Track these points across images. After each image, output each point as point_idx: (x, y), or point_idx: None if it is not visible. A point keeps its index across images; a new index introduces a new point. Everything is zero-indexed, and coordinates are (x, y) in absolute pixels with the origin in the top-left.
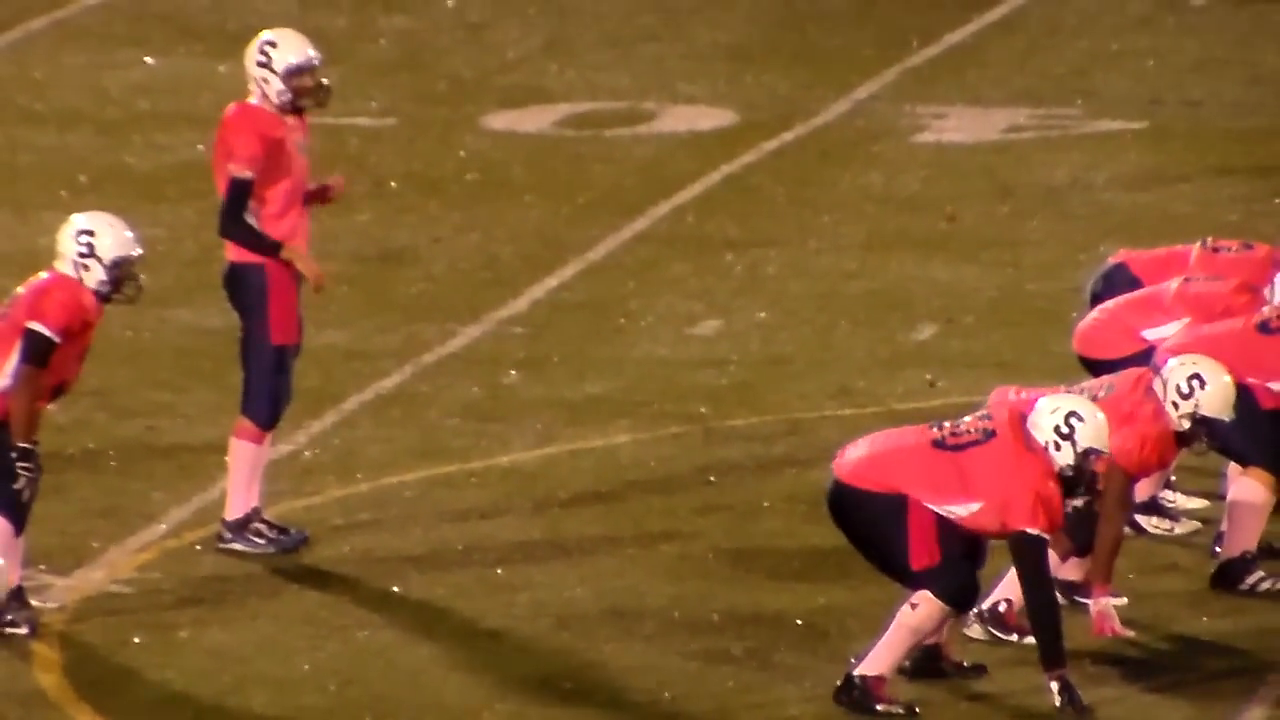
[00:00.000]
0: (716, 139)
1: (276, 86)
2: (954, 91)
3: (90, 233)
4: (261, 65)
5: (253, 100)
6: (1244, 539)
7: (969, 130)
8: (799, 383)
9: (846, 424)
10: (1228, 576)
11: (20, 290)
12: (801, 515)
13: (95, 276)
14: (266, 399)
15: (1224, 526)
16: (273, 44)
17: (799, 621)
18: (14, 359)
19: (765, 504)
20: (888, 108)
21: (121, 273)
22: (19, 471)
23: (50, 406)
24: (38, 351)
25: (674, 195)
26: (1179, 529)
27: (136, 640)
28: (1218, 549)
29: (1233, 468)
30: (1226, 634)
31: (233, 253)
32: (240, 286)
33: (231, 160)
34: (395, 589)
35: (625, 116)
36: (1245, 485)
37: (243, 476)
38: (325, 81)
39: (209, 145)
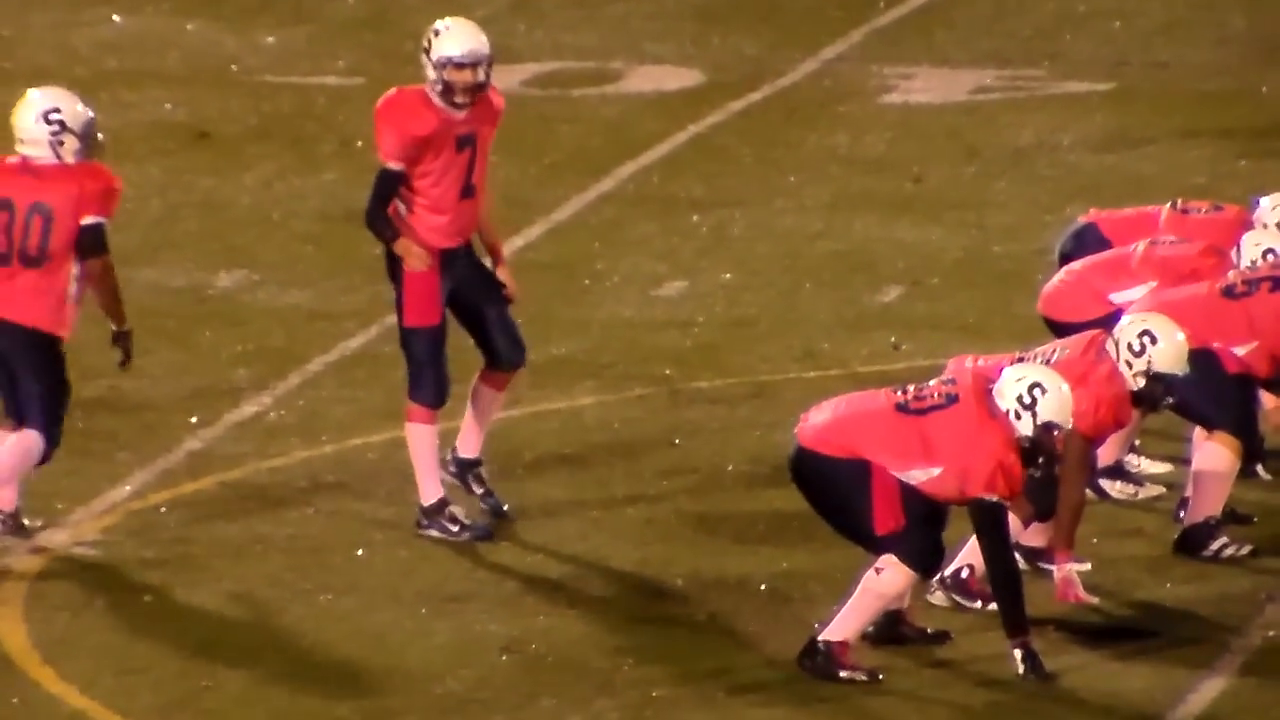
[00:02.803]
0: (683, 99)
1: (431, 75)
2: (921, 52)
3: (56, 109)
4: (424, 51)
5: (425, 86)
6: (1208, 505)
7: (935, 91)
8: (764, 344)
9: (811, 386)
10: (1191, 542)
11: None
12: (766, 479)
13: (72, 149)
14: (429, 379)
15: (1188, 492)
16: (437, 32)
17: (763, 586)
18: (70, 267)
19: (730, 467)
20: (854, 68)
21: (90, 136)
22: (118, 344)
23: None
24: (102, 240)
25: (640, 156)
26: (1143, 494)
27: (100, 603)
28: (1181, 514)
29: (1198, 433)
30: (1190, 600)
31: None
32: (392, 270)
33: (379, 151)
34: (360, 552)
35: (592, 76)
36: (1210, 450)
37: (425, 461)
38: (482, 80)
39: (176, 104)
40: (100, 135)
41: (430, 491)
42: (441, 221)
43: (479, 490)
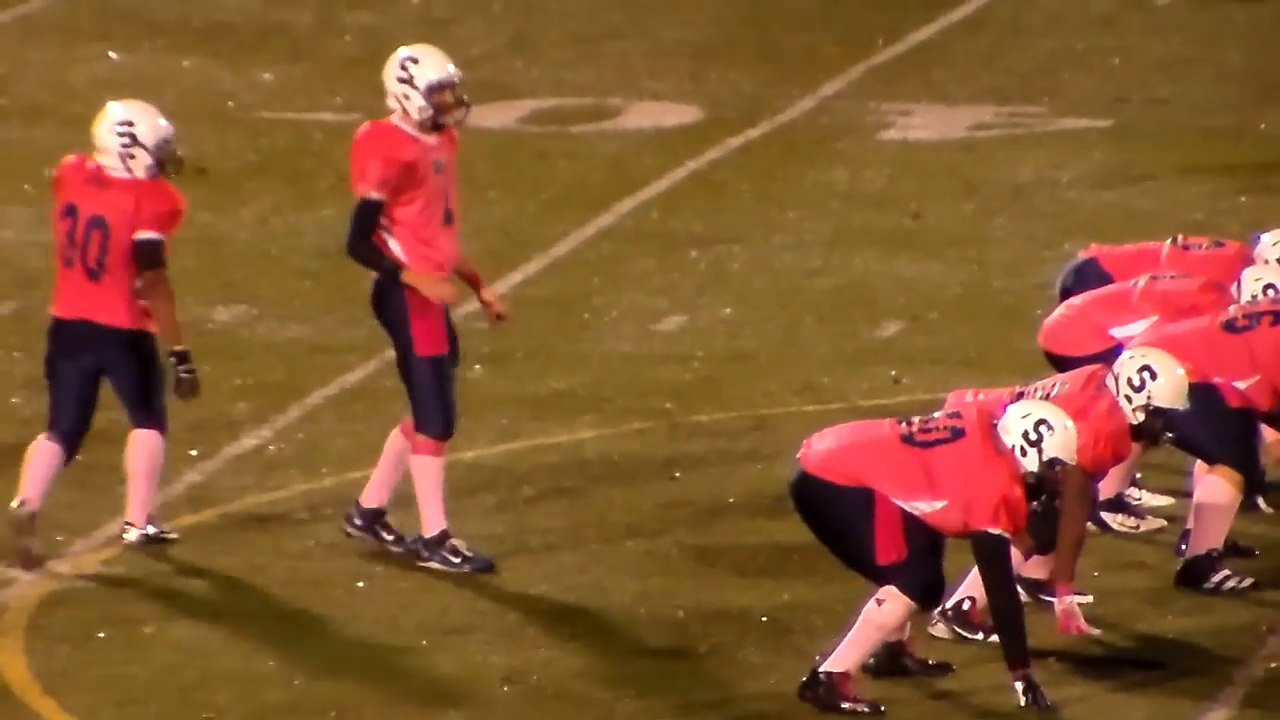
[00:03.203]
0: (681, 136)
1: (419, 103)
2: (919, 89)
3: (129, 123)
4: (402, 81)
5: (392, 119)
6: (1210, 537)
7: (934, 128)
8: (764, 379)
9: (811, 420)
10: (1193, 575)
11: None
12: (766, 511)
13: (143, 164)
14: (438, 411)
15: (1190, 524)
16: (414, 60)
17: (764, 618)
18: (134, 278)
19: (730, 500)
20: (853, 105)
21: (164, 154)
22: (181, 375)
23: (15, 400)
24: (157, 255)
25: (639, 191)
26: (1144, 526)
27: (101, 634)
28: (1183, 547)
29: (1199, 466)
30: (1191, 632)
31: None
32: (384, 304)
33: (359, 181)
34: (360, 584)
35: (590, 113)
36: (1211, 483)
37: (430, 493)
38: (466, 98)
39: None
40: (179, 153)
41: (433, 523)
42: (430, 250)
43: (389, 538)
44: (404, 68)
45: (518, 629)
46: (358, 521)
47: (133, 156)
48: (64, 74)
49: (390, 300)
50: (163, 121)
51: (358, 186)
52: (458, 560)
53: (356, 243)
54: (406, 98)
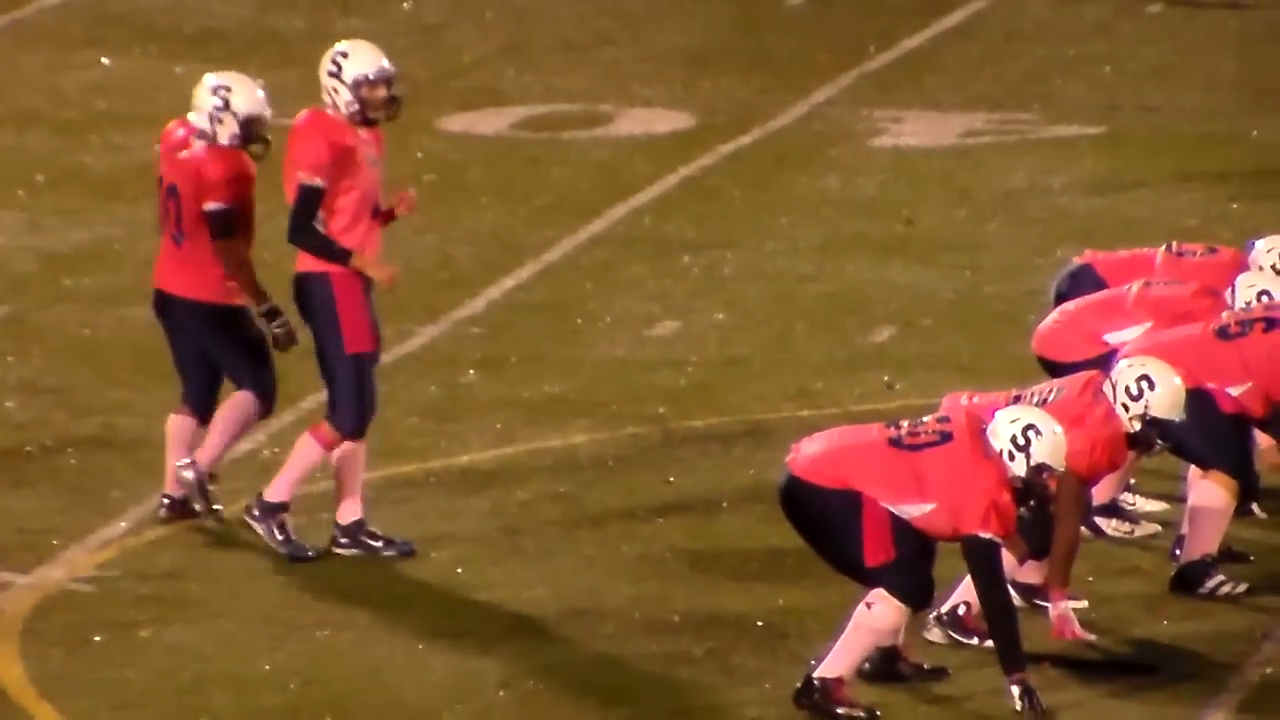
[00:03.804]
0: (673, 142)
1: (345, 97)
2: (911, 96)
3: (226, 88)
4: (332, 75)
5: (326, 109)
6: (1204, 542)
7: (926, 134)
8: (757, 384)
9: (805, 425)
10: (1187, 580)
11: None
12: (760, 516)
13: (229, 131)
14: (355, 410)
15: (1184, 530)
16: (344, 54)
17: (759, 623)
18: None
19: (724, 505)
20: (845, 112)
21: (252, 130)
22: (275, 331)
23: (9, 404)
24: (224, 225)
25: (631, 198)
26: (1139, 532)
27: (97, 639)
28: (1178, 552)
29: (1193, 471)
30: (1186, 637)
31: (300, 262)
32: (308, 298)
33: (300, 167)
34: (355, 588)
35: (582, 119)
36: (1206, 489)
37: (297, 471)
38: (397, 94)
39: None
40: (267, 136)
41: (279, 491)
42: (359, 240)
43: (377, 545)
44: (334, 62)
45: (513, 633)
46: (343, 540)
47: (221, 121)
48: (57, 80)
49: (316, 295)
50: (260, 95)
51: (299, 174)
52: (280, 538)
53: (300, 231)
54: (335, 91)
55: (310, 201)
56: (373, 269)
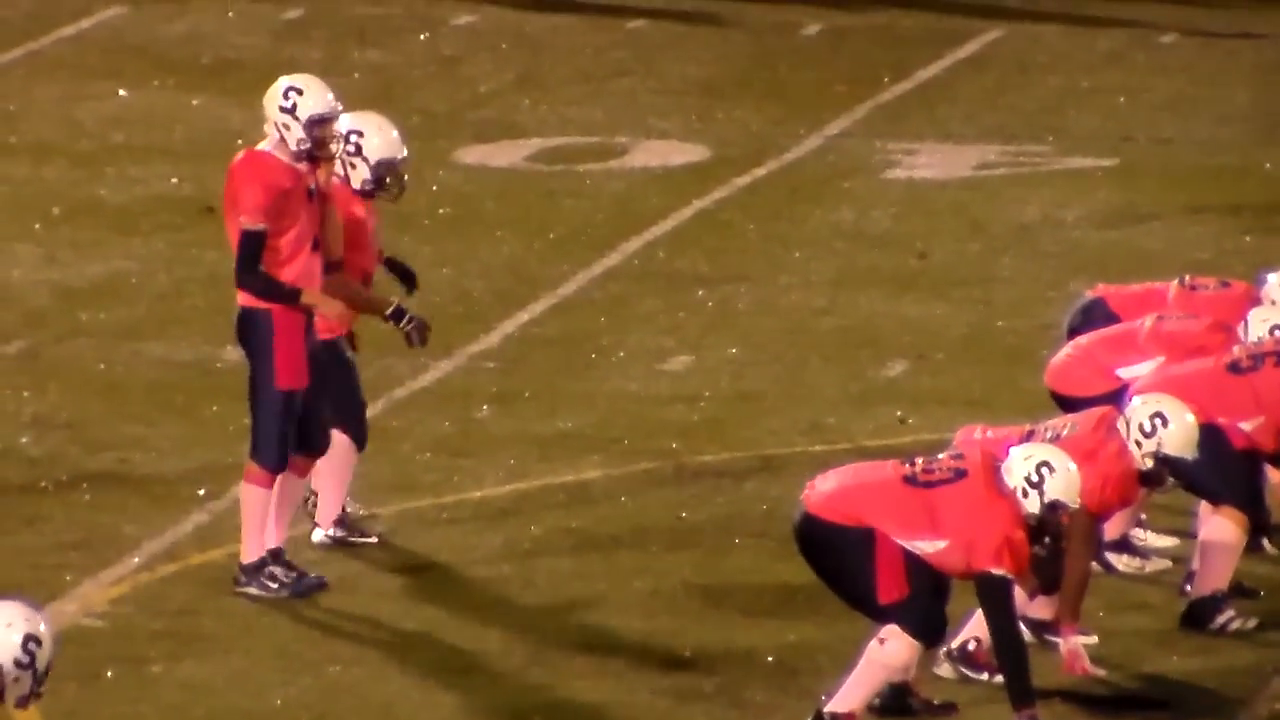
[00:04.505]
0: (688, 174)
1: (298, 134)
2: (925, 128)
3: (359, 133)
4: (285, 111)
5: (264, 145)
6: (1215, 578)
7: (940, 167)
8: (770, 419)
9: (817, 460)
10: (1198, 615)
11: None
12: (772, 551)
13: (360, 176)
14: (275, 443)
15: (1195, 565)
16: (299, 90)
17: (770, 658)
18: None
19: (736, 540)
20: (859, 144)
21: (384, 172)
22: (407, 331)
23: (24, 439)
24: (247, 247)
25: (645, 231)
26: (1149, 567)
27: (109, 674)
28: (1188, 588)
29: (1204, 506)
30: (1196, 673)
31: (242, 298)
32: (248, 331)
33: (241, 213)
34: (367, 624)
35: (597, 151)
36: (1217, 524)
37: (255, 522)
38: (343, 132)
39: (182, 178)
40: (404, 178)
41: (252, 551)
42: (299, 273)
43: (288, 577)
44: (287, 96)
45: (524, 669)
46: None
47: (288, 127)
48: (73, 112)
49: (256, 329)
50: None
51: (241, 219)
52: (275, 586)
53: (246, 274)
54: (287, 127)
55: (253, 246)
56: (325, 307)
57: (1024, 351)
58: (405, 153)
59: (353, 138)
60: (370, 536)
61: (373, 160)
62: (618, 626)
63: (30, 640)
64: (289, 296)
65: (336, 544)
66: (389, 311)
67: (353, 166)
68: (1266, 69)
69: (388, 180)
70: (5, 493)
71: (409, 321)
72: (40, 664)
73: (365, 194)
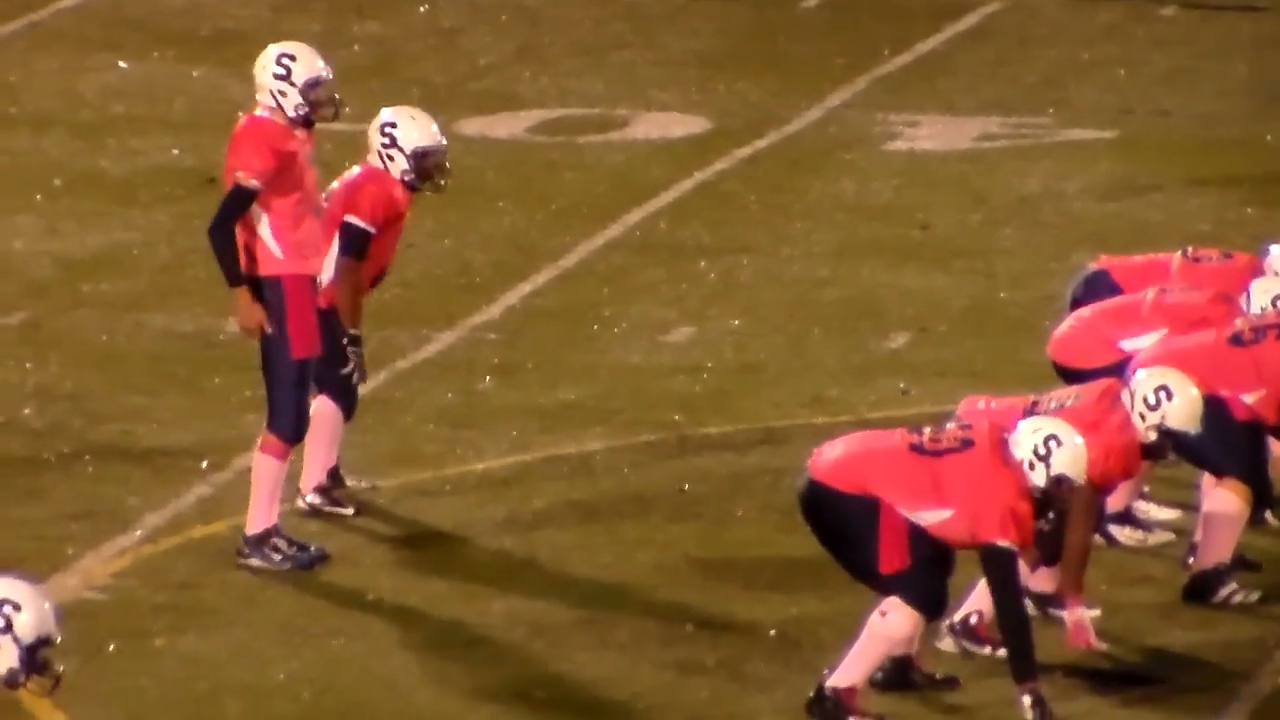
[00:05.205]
0: (689, 146)
1: (295, 100)
2: (926, 100)
3: (392, 124)
4: (279, 78)
5: (261, 112)
6: (1217, 551)
7: (941, 139)
8: (772, 390)
9: (820, 432)
10: (1200, 588)
11: (335, 185)
12: (775, 524)
13: (399, 166)
14: (292, 413)
15: (1197, 538)
16: (291, 56)
17: (772, 632)
18: (335, 252)
19: (739, 513)
20: (860, 116)
21: (425, 163)
22: (349, 355)
23: (26, 411)
24: (355, 244)
25: (647, 202)
26: (1152, 540)
27: (111, 647)
28: (1190, 560)
29: (1207, 479)
30: (1199, 646)
31: (249, 266)
32: (261, 302)
33: (241, 169)
34: (370, 597)
35: (598, 123)
36: (1220, 497)
37: (265, 492)
38: (338, 95)
39: (183, 149)
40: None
41: (258, 521)
42: (304, 239)
43: (289, 549)
44: (280, 64)
45: (527, 642)
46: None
47: (391, 159)
48: (74, 83)
49: (266, 297)
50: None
51: (237, 174)
52: (278, 558)
53: (221, 227)
54: (283, 94)
55: (241, 201)
56: (243, 310)
57: (1026, 323)
58: (442, 141)
59: (387, 129)
60: (347, 508)
61: (408, 150)
62: (620, 600)
63: (5, 604)
64: (232, 275)
65: (313, 511)
66: (348, 336)
67: (390, 159)
68: (1266, 42)
69: (431, 171)
70: (7, 464)
71: (358, 356)
72: (21, 631)
73: (409, 186)
